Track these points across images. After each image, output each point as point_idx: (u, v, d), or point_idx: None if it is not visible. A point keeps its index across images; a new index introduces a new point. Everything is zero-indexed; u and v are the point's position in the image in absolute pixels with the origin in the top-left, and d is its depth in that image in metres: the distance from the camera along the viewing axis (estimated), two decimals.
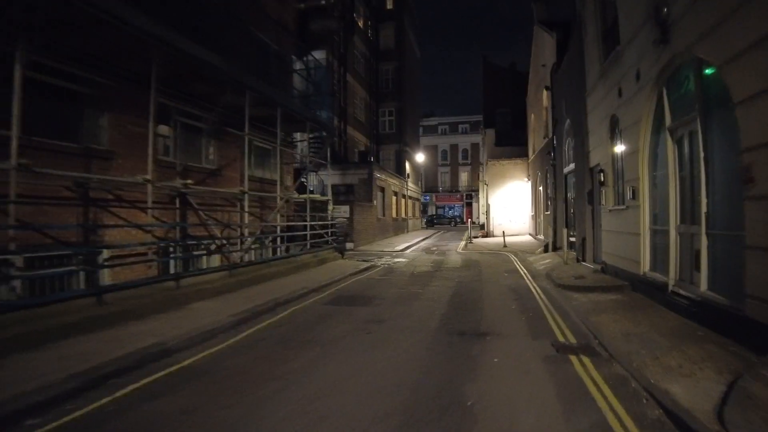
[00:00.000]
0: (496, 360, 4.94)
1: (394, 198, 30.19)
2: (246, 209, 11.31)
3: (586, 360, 4.94)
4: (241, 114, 12.34)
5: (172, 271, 9.68)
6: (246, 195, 11.15)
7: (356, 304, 8.28)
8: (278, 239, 13.28)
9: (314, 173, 24.37)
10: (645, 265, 7.91)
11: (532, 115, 24.12)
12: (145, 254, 9.25)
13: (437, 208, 62.36)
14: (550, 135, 17.67)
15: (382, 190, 26.64)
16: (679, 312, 6.39)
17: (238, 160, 13.70)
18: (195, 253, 11.35)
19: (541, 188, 21.26)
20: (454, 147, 63.54)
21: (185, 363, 5.04)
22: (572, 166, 13.73)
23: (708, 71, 5.75)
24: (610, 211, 9.85)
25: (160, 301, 7.34)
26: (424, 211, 58.42)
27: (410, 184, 36.54)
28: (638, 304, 7.50)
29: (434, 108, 68.35)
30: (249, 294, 8.67)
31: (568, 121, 14.11)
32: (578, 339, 5.79)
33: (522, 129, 29.27)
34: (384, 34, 36.61)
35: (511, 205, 26.29)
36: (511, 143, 28.67)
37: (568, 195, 14.63)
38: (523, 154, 26.86)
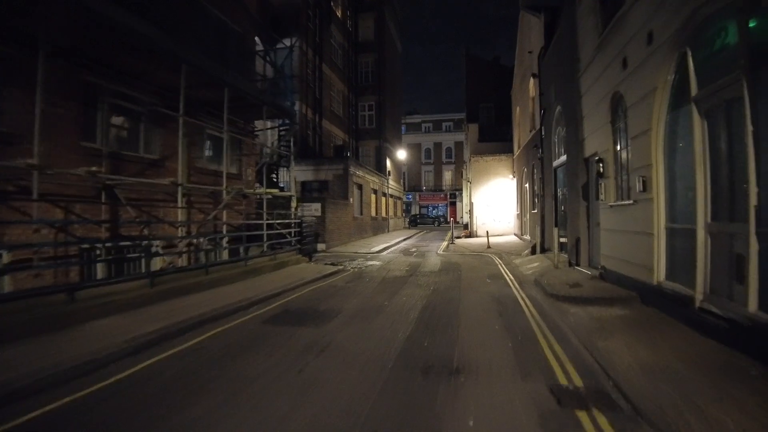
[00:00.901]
0: (471, 423, 3.33)
1: (373, 196, 28.58)
2: (181, 204, 9.55)
3: (601, 420, 3.37)
4: (192, 99, 10.71)
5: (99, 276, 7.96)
6: (180, 188, 9.37)
7: (303, 321, 6.63)
8: (224, 240, 11.53)
9: (286, 168, 22.69)
10: (659, 273, 6.40)
11: (518, 108, 22.70)
12: (49, 258, 7.52)
13: (421, 207, 60.91)
14: (537, 126, 16.22)
15: (360, 187, 25.00)
16: (710, 335, 4.88)
17: (186, 149, 12.00)
18: (118, 256, 9.60)
19: (527, 185, 19.83)
20: (437, 145, 62.17)
21: (18, 421, 3.36)
22: (563, 158, 12.26)
23: (753, 23, 4.24)
24: (611, 207, 8.35)
25: (41, 320, 5.62)
26: (407, 211, 56.95)
27: (391, 182, 34.96)
28: (652, 321, 5.98)
29: (418, 108, 66.75)
30: (170, 308, 6.96)
31: (558, 108, 12.63)
32: (585, 378, 4.22)
33: (506, 124, 27.92)
34: (363, 25, 34.99)
35: (495, 204, 24.86)
36: (495, 139, 27.27)
37: (558, 191, 13.17)
38: (507, 150, 25.46)
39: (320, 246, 18.48)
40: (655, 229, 6.41)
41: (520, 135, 21.70)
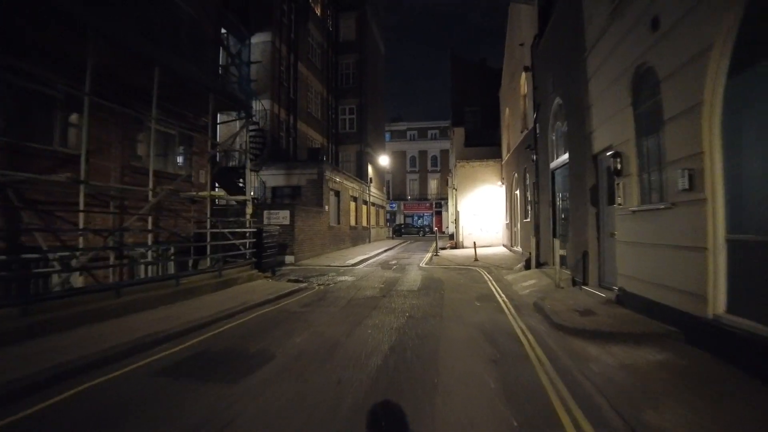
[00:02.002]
0: None
1: (352, 204, 26.66)
2: (82, 207, 7.54)
3: None
4: (126, 85, 8.77)
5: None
6: (83, 187, 7.38)
7: (216, 372, 4.65)
8: (150, 252, 9.47)
9: (255, 172, 20.69)
10: (716, 303, 4.57)
11: (507, 110, 21.06)
12: None
13: (405, 216, 59.14)
14: (530, 126, 14.51)
15: (337, 194, 23.07)
16: None
17: (118, 144, 10.05)
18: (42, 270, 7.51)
19: (517, 192, 18.09)
20: (423, 153, 60.64)
21: None
22: (563, 158, 10.51)
23: None
24: (633, 212, 6.54)
25: None
26: (391, 220, 55.16)
27: (373, 190, 33.10)
28: (715, 375, 4.15)
29: (403, 115, 65.19)
30: (34, 351, 4.94)
31: (556, 100, 10.91)
32: None
33: (494, 128, 26.30)
34: (344, 25, 33.32)
35: (482, 213, 23.10)
36: (482, 143, 25.62)
37: (557, 196, 11.41)
38: (495, 155, 23.80)
39: (288, 258, 16.48)
40: (710, 241, 4.59)
41: (510, 138, 20.02)
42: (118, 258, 9.71)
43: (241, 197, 11.91)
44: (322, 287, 11.03)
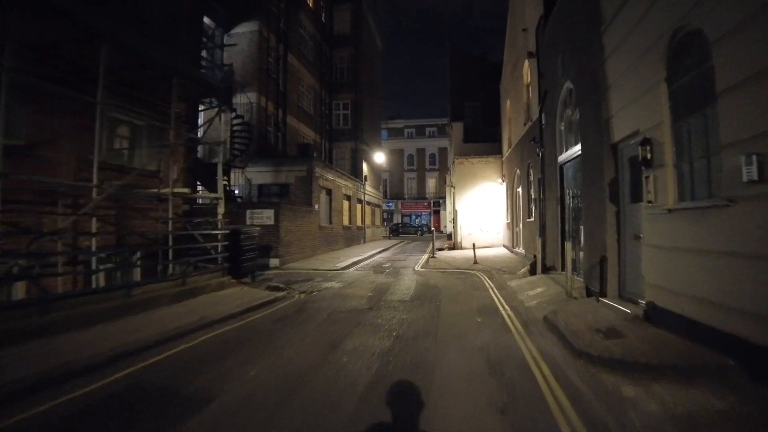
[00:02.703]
0: None
1: (346, 202, 25.45)
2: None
3: None
4: (80, 66, 7.60)
5: None
6: None
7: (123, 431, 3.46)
8: (95, 260, 8.23)
9: (240, 169, 19.49)
10: None
11: (508, 102, 19.87)
12: None
13: (403, 216, 57.93)
14: (535, 117, 13.33)
15: (329, 192, 21.86)
16: None
17: (72, 135, 8.87)
18: None
19: (519, 189, 16.90)
20: (420, 151, 59.43)
21: None
22: (574, 149, 9.32)
23: None
24: (669, 212, 5.34)
25: None
26: (388, 220, 54.00)
27: (369, 188, 31.89)
28: None
29: (401, 113, 63.88)
30: None
31: (566, 85, 9.71)
32: None
33: (494, 125, 25.07)
34: (339, 18, 32.07)
35: (482, 212, 21.90)
36: (482, 139, 24.39)
37: (567, 193, 10.22)
38: (496, 152, 22.61)
39: (273, 262, 15.28)
40: None
41: (512, 132, 18.82)
42: (70, 264, 8.53)
43: (212, 195, 10.66)
44: (303, 296, 9.84)
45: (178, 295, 8.43)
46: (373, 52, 37.89)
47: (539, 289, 9.24)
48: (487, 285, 10.75)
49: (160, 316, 7.08)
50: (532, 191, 14.47)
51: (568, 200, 10.15)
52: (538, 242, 11.15)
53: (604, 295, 7.36)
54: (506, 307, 8.09)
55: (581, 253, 8.90)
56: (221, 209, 10.31)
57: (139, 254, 9.78)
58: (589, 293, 8.05)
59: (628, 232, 6.96)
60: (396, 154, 58.85)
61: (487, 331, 6.35)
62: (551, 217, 11.26)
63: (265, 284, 11.39)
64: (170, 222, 9.43)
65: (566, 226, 10.34)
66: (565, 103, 10.10)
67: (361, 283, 11.60)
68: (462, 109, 28.61)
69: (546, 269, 11.01)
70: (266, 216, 15.39)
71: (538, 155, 12.26)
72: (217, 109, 14.10)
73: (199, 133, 20.86)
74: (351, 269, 15.29)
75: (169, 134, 9.58)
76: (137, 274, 9.92)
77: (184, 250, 10.18)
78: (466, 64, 30.41)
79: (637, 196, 6.62)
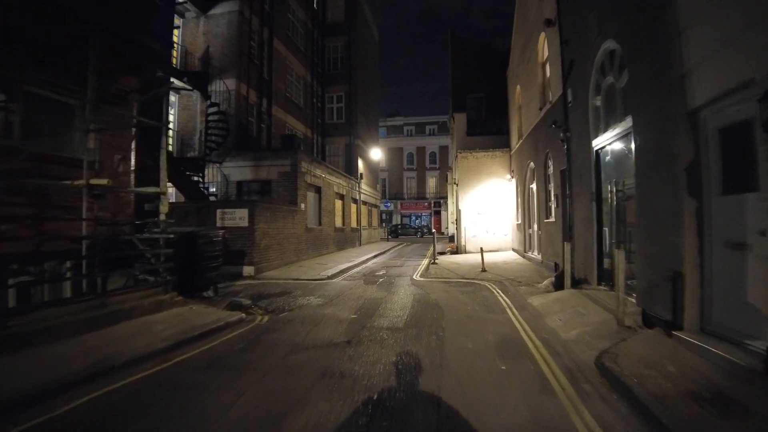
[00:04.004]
0: None
1: (338, 202, 23.22)
2: None
3: None
4: None
5: None
6: None
7: None
8: None
9: (217, 165, 17.26)
10: None
11: (518, 88, 17.64)
12: None
13: (402, 216, 55.71)
14: (555, 98, 11.13)
15: (318, 190, 19.62)
16: None
17: None
18: None
19: (534, 186, 14.66)
20: (421, 150, 57.23)
21: None
22: (620, 127, 7.09)
23: None
24: None
25: None
26: (387, 220, 51.82)
27: (365, 187, 29.65)
28: None
29: (401, 112, 61.58)
30: None
31: (605, 45, 7.49)
32: None
33: (500, 117, 22.83)
34: (332, 4, 29.91)
35: (488, 212, 19.64)
36: (487, 132, 22.19)
37: (607, 185, 7.99)
38: (503, 145, 20.37)
39: (247, 270, 13.04)
40: None
41: (522, 121, 16.59)
42: None
43: (150, 189, 8.40)
44: (266, 318, 7.62)
45: (91, 321, 6.19)
46: (369, 42, 35.68)
47: (572, 311, 7.00)
48: (503, 303, 8.50)
49: (38, 359, 4.84)
50: (551, 186, 12.24)
51: (607, 195, 7.92)
52: (565, 248, 8.90)
53: (678, 328, 5.12)
54: (535, 341, 5.84)
55: (622, 264, 6.66)
56: (164, 208, 8.05)
57: (69, 264, 7.58)
58: (648, 322, 5.83)
59: (718, 237, 4.74)
60: (395, 153, 56.69)
61: (517, 392, 4.10)
62: (582, 217, 9.03)
63: (227, 300, 9.17)
64: (83, 224, 7.18)
65: (604, 228, 8.11)
66: (603, 70, 7.87)
67: (346, 299, 9.36)
68: (464, 101, 26.35)
69: (576, 282, 8.77)
70: (239, 216, 13.16)
71: (562, 141, 10.02)
72: (197, 96, 11.89)
73: (171, 119, 18.73)
74: (338, 278, 13.07)
75: (85, 111, 7.30)
76: (65, 290, 7.73)
77: (116, 259, 7.96)
78: (468, 52, 28.17)
79: (734, 185, 4.43)
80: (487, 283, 10.92)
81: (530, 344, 5.68)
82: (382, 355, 5.31)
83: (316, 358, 5.27)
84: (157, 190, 8.10)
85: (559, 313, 7.12)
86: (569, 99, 9.58)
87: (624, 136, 7.03)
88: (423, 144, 57.14)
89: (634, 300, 6.35)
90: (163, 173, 8.28)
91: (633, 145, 6.43)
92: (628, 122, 6.71)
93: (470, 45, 28.39)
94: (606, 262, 8.18)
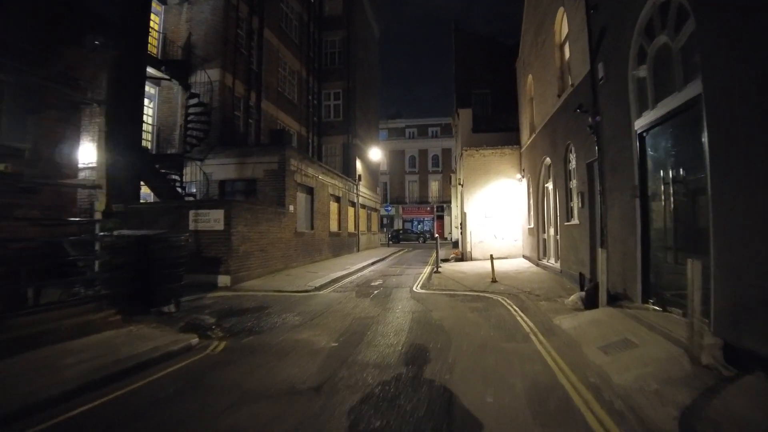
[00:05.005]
0: None
1: (334, 204, 21.57)
2: None
3: None
4: None
5: None
6: None
7: None
8: None
9: (198, 163, 15.64)
10: None
11: (529, 78, 16.00)
12: None
13: (404, 221, 54.02)
14: (579, 79, 9.48)
15: (310, 190, 17.97)
16: None
17: None
18: None
19: (550, 184, 12.98)
20: (423, 153, 55.62)
21: None
22: (684, 95, 5.40)
23: None
24: None
25: None
26: (388, 225, 50.16)
27: (364, 189, 28.00)
28: None
29: (403, 114, 60.04)
30: None
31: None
32: None
33: (507, 113, 21.19)
34: None
35: (496, 215, 17.94)
36: (494, 128, 20.51)
37: (656, 176, 6.31)
38: (511, 143, 18.69)
39: (222, 280, 11.37)
40: None
41: (536, 113, 14.94)
42: None
43: (74, 181, 6.75)
44: (222, 346, 5.96)
45: None
46: (369, 38, 34.14)
47: (622, 341, 5.30)
48: (524, 325, 6.79)
49: None
50: (573, 183, 10.56)
51: (657, 188, 6.24)
52: (600, 256, 7.19)
53: None
54: (581, 389, 4.14)
55: (698, 280, 4.95)
56: (100, 205, 6.40)
57: None
58: (734, 358, 4.14)
59: None
60: (396, 156, 55.09)
61: None
62: (618, 217, 7.34)
63: (188, 318, 7.53)
64: None
65: (652, 232, 6.42)
66: (650, 30, 6.21)
67: (331, 317, 7.69)
68: (469, 96, 24.76)
69: (613, 298, 7.07)
70: (214, 218, 11.52)
71: (590, 128, 8.35)
72: (177, 88, 10.27)
73: (150, 113, 17.17)
74: (327, 289, 11.40)
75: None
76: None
77: (50, 268, 6.31)
78: (472, 46, 26.64)
79: None
80: (499, 297, 9.22)
81: (575, 395, 3.99)
82: (362, 417, 3.62)
83: (265, 420, 3.60)
84: (86, 182, 6.44)
85: (601, 342, 5.42)
86: (600, 75, 7.93)
87: (685, 111, 5.36)
88: (425, 146, 55.54)
89: (709, 327, 4.65)
90: (100, 162, 6.61)
91: (705, 120, 4.76)
92: (693, 89, 5.04)
93: (474, 38, 26.86)
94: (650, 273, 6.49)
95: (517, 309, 7.95)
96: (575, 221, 10.15)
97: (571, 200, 10.72)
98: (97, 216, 6.27)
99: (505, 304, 8.53)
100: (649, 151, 6.49)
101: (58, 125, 7.70)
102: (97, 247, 6.20)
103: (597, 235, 8.52)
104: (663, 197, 6.10)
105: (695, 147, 5.13)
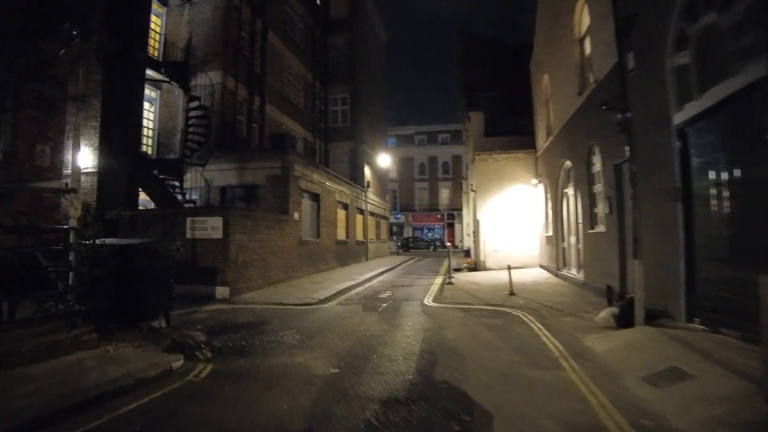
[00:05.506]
0: None
1: (341, 212, 20.86)
2: None
3: None
4: None
5: None
6: None
7: None
8: None
9: (200, 168, 15.03)
10: None
11: (545, 78, 15.23)
12: None
13: (414, 229, 53.19)
14: (604, 73, 8.71)
15: (316, 197, 17.28)
16: None
17: None
18: None
19: (570, 189, 12.15)
20: (432, 160, 54.90)
21: None
22: (738, 81, 4.62)
23: None
24: None
25: None
26: (397, 233, 49.33)
27: (372, 196, 27.29)
28: None
29: (412, 120, 59.46)
30: None
31: None
32: None
33: (519, 116, 20.39)
34: (336, 2, 27.80)
35: (511, 222, 17.09)
36: (506, 132, 19.64)
37: (702, 177, 5.49)
38: (525, 146, 17.87)
39: (220, 291, 10.67)
40: None
41: (552, 115, 14.15)
42: None
43: (52, 184, 6.09)
44: (206, 371, 5.23)
45: None
46: (375, 42, 33.60)
47: (670, 370, 4.48)
48: (550, 347, 5.95)
49: None
50: (598, 187, 9.72)
51: (704, 190, 5.43)
52: (635, 269, 6.37)
53: None
54: None
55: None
56: (75, 211, 5.70)
57: None
58: None
59: None
60: (406, 163, 54.42)
61: None
62: (654, 224, 6.53)
63: (177, 334, 6.82)
64: None
65: (698, 241, 5.60)
66: (691, 11, 5.43)
67: (332, 336, 6.93)
68: (477, 100, 24.00)
69: (649, 316, 6.22)
70: (211, 226, 10.84)
71: (619, 126, 7.53)
72: (178, 91, 9.69)
73: (151, 117, 16.57)
74: (332, 302, 10.66)
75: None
76: None
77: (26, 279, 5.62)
78: (478, 48, 26.05)
79: None
80: (519, 313, 8.39)
81: None
82: None
83: None
84: (58, 185, 5.77)
85: (645, 371, 4.59)
86: (630, 66, 7.14)
87: (741, 98, 4.56)
88: (435, 153, 54.82)
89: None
90: (73, 164, 5.93)
91: None
92: (753, 71, 4.25)
93: (480, 40, 26.34)
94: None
95: (540, 327, 7.12)
96: (601, 229, 9.31)
97: (596, 206, 9.88)
98: (72, 223, 5.58)
99: (526, 320, 7.70)
100: (693, 149, 5.68)
101: (35, 125, 7.08)
102: (71, 257, 5.49)
103: (627, 243, 7.70)
104: (712, 201, 5.29)
105: (755, 140, 4.33)
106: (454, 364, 5.23)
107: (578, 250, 11.33)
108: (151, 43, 15.16)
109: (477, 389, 4.38)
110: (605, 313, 6.92)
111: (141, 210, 12.68)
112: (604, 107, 8.13)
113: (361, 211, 24.89)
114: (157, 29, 16.60)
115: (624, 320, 6.42)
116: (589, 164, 10.13)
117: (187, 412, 4.04)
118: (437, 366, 5.21)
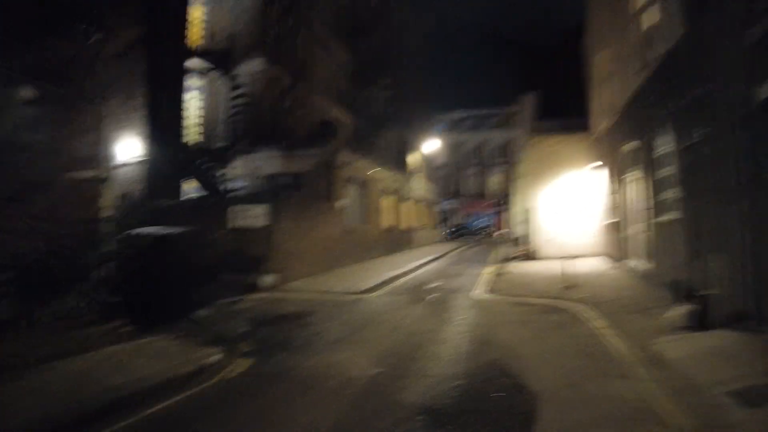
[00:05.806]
0: None
1: (387, 199, 20.53)
2: None
3: None
4: None
5: None
6: None
7: None
8: None
9: (244, 156, 15.05)
10: None
11: (601, 55, 14.07)
12: None
13: (463, 216, 52.10)
14: (670, 45, 7.76)
15: (362, 185, 17.01)
16: None
17: None
18: None
19: (636, 173, 11.15)
20: (481, 145, 53.34)
21: None
22: None
23: None
24: None
25: None
26: (447, 220, 48.48)
27: (419, 183, 26.76)
28: None
29: (459, 104, 58.31)
30: None
31: None
32: None
33: (572, 98, 19.09)
34: None
35: (567, 209, 16.12)
36: (560, 115, 18.43)
37: None
38: (581, 129, 16.73)
39: (267, 280, 10.61)
40: None
41: (613, 94, 13.06)
42: None
43: (85, 173, 6.01)
44: (239, 369, 5.04)
45: None
46: (419, 28, 32.65)
47: (766, 384, 3.79)
48: (618, 350, 5.30)
49: None
50: (668, 170, 8.76)
51: None
52: (718, 262, 5.58)
53: None
54: None
55: None
56: (104, 201, 5.60)
57: None
58: None
59: None
60: (454, 148, 53.12)
61: None
62: (743, 213, 5.68)
63: (218, 326, 6.75)
64: None
65: None
66: None
67: (376, 330, 6.61)
68: (528, 82, 22.78)
69: (731, 320, 5.43)
70: (256, 214, 10.81)
71: (695, 101, 6.67)
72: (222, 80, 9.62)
73: (198, 106, 16.78)
74: (378, 291, 10.39)
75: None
76: None
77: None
78: (530, 30, 24.67)
79: None
80: (579, 308, 7.71)
81: None
82: None
83: None
84: (94, 174, 5.68)
85: (737, 384, 3.91)
86: (710, 30, 6.25)
87: None
88: (484, 138, 53.26)
89: None
90: (103, 153, 5.83)
91: None
92: None
93: (526, 24, 24.79)
94: None
95: (603, 325, 6.46)
96: (672, 216, 8.40)
97: (665, 191, 8.94)
98: (104, 213, 5.49)
99: (588, 317, 7.04)
100: None
101: (75, 114, 7.06)
102: (103, 249, 5.42)
103: (704, 233, 6.83)
104: None
105: None
106: (509, 370, 4.73)
107: (643, 239, 10.37)
108: (195, 32, 15.23)
109: (538, 403, 3.87)
110: (678, 312, 6.15)
111: (186, 199, 12.79)
112: (673, 80, 7.25)
113: (408, 198, 24.43)
114: (201, 18, 16.67)
115: (701, 320, 5.67)
116: (657, 146, 9.17)
117: (210, 421, 3.78)
118: (491, 371, 4.73)
